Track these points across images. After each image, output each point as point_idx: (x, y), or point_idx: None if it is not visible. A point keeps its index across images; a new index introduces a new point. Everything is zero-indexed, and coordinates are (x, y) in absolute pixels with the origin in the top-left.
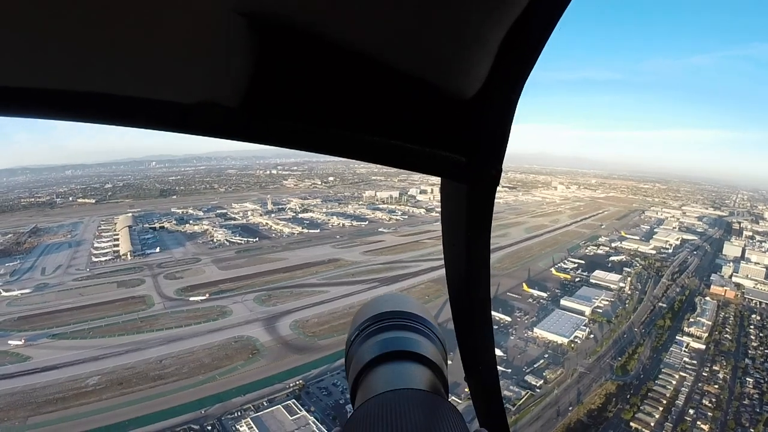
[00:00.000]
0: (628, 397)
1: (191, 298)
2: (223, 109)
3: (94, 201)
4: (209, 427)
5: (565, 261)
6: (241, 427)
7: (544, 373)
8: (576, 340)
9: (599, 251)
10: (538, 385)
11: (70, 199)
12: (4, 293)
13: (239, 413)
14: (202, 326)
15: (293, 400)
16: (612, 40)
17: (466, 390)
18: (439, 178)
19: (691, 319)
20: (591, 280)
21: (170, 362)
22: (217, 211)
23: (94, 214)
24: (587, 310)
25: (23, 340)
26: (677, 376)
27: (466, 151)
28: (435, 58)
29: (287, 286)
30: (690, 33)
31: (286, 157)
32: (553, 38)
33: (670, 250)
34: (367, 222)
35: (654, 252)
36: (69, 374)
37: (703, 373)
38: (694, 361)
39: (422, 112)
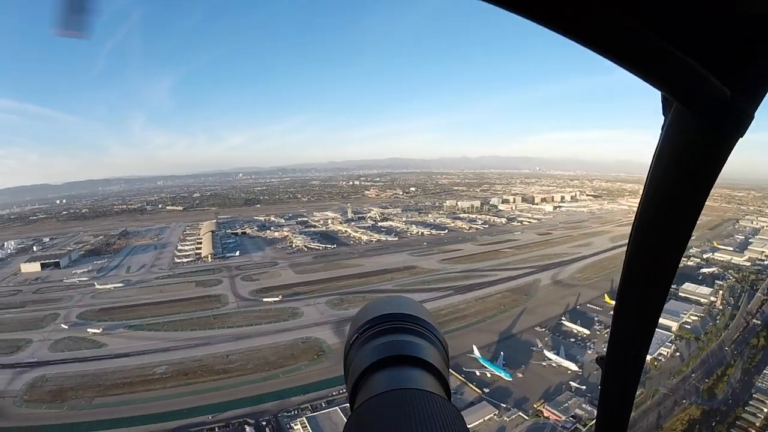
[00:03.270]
0: (714, 424)
1: (264, 299)
2: None
3: (181, 208)
4: (264, 422)
5: None
6: (295, 425)
7: None
8: (660, 357)
9: (689, 263)
10: None
11: (160, 206)
12: (98, 286)
13: (296, 411)
14: (272, 326)
15: None
16: None
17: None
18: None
19: None
20: (679, 294)
21: (236, 358)
22: (298, 219)
23: (181, 220)
24: (674, 326)
25: (101, 329)
26: None
27: (733, 84)
28: None
29: (360, 291)
30: None
31: (368, 169)
32: None
33: (767, 262)
34: (446, 231)
35: (749, 264)
36: (139, 362)
37: None
38: None
39: (702, 18)
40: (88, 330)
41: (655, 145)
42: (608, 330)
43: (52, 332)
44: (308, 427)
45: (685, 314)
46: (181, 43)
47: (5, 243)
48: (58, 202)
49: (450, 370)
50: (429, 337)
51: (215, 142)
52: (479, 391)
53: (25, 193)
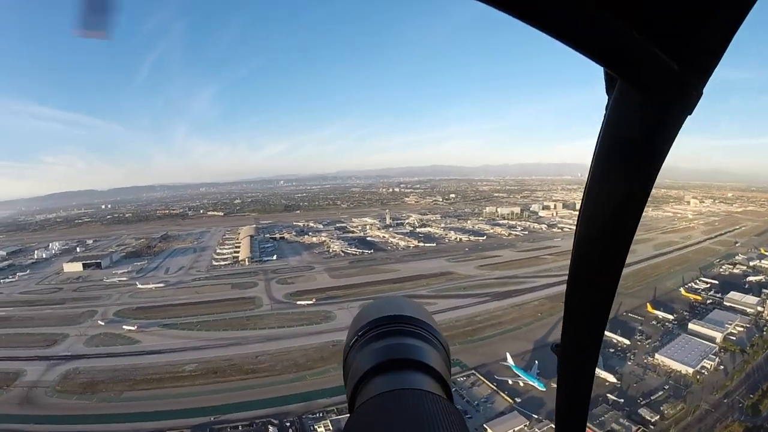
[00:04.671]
0: None
1: (298, 302)
2: None
3: (222, 214)
4: (288, 423)
5: (697, 281)
6: (319, 427)
7: (661, 407)
8: (703, 370)
9: (735, 270)
10: (653, 420)
11: (201, 211)
12: (140, 285)
13: (321, 414)
14: (303, 328)
15: None
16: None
17: None
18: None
19: None
20: (725, 303)
21: (266, 359)
22: (337, 225)
23: (221, 225)
24: (718, 337)
25: (136, 327)
26: None
27: (680, 58)
28: None
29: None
30: None
31: (409, 176)
32: None
33: None
34: (485, 237)
35: None
36: (170, 359)
37: None
38: None
39: None
40: (124, 327)
41: (600, 126)
42: (649, 341)
43: (88, 328)
44: (332, 431)
45: (730, 324)
46: (221, 53)
47: (50, 244)
48: (103, 206)
49: (481, 377)
50: (430, 340)
51: (256, 150)
52: (510, 400)
53: (72, 198)
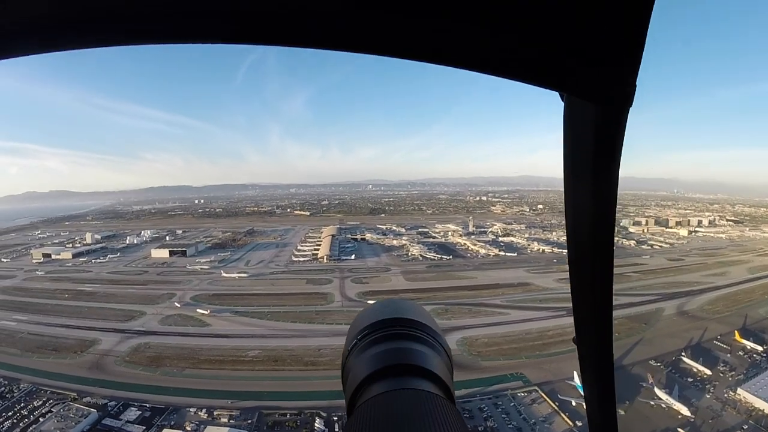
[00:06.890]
0: None
1: (369, 301)
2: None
3: (308, 213)
4: (335, 418)
5: None
6: None
7: None
8: None
9: None
10: None
11: (288, 210)
12: (224, 274)
13: None
14: None
15: None
16: None
17: None
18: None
19: None
20: None
21: (328, 353)
22: (419, 230)
23: (306, 224)
24: None
25: (209, 311)
26: None
27: (599, 62)
28: None
29: (468, 303)
30: None
31: (498, 185)
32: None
33: None
34: None
35: None
36: (235, 344)
37: None
38: None
39: (548, 9)
40: (197, 310)
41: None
42: (733, 373)
43: (165, 308)
44: None
45: None
46: (316, 58)
47: (142, 232)
48: (196, 201)
49: (543, 395)
50: (431, 344)
51: (347, 154)
52: (571, 422)
53: (169, 193)
